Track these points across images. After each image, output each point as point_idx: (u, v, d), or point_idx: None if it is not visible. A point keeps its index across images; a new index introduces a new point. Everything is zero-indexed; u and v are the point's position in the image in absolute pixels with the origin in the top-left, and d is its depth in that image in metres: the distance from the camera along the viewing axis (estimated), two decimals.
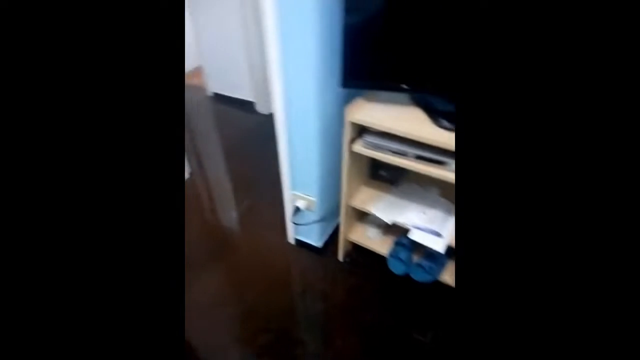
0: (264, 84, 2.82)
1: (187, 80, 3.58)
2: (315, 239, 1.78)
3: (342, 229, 1.62)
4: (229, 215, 2.11)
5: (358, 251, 1.74)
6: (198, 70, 3.32)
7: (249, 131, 2.85)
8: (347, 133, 1.25)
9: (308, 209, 1.65)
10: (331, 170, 1.56)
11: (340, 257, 1.76)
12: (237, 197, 2.23)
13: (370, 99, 1.26)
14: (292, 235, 1.84)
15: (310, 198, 1.60)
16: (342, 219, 1.57)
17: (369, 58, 1.14)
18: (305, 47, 1.14)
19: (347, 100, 1.31)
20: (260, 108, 3.01)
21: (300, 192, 1.62)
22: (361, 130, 1.27)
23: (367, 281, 1.68)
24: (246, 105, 3.08)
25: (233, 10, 2.58)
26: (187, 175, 2.34)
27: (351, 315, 1.56)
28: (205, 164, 2.52)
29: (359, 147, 1.27)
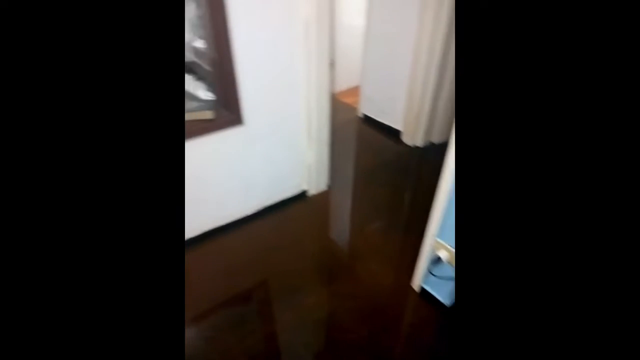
0: (416, 116, 2.74)
1: (341, 98, 3.75)
2: (444, 296, 1.60)
3: None
4: (354, 239, 2.07)
5: None
6: (355, 90, 3.44)
7: (390, 159, 2.80)
8: None
9: (449, 262, 1.48)
10: None
11: None
12: (365, 224, 2.17)
13: None
14: (418, 282, 1.69)
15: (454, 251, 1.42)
16: None
17: None
18: None
19: None
20: (406, 139, 2.94)
21: (446, 242, 1.46)
22: None
23: None
24: (392, 133, 3.05)
25: (407, 38, 2.59)
26: (324, 187, 2.40)
27: None
28: (338, 181, 2.55)
29: None
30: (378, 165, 2.71)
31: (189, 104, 1.72)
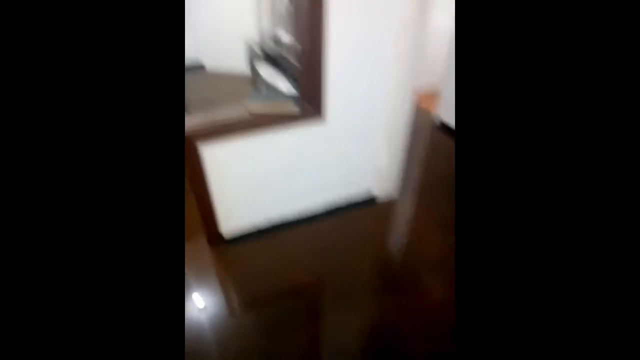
0: None
1: (418, 103, 3.58)
2: None
3: None
4: (418, 250, 1.94)
5: None
6: (432, 94, 3.25)
7: None
8: None
9: None
10: None
11: None
12: (431, 236, 2.03)
13: None
14: None
15: None
16: None
17: None
18: None
19: None
20: None
21: None
22: None
23: None
24: None
25: None
26: (393, 193, 2.29)
27: None
28: (408, 189, 2.42)
29: None
30: (447, 177, 2.53)
31: (270, 96, 1.72)
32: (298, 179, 1.89)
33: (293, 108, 1.61)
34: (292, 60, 1.95)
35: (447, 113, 3.08)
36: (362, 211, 2.18)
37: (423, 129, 3.15)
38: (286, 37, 2.32)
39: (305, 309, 1.64)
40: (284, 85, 1.90)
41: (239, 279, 1.78)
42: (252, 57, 2.83)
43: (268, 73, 2.28)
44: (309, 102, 1.64)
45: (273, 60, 2.46)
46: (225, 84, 3.78)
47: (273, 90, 1.94)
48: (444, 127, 3.12)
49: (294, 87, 1.79)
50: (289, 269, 1.80)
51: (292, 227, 2.03)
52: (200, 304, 1.63)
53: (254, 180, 1.76)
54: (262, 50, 2.71)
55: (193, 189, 1.62)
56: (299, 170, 1.85)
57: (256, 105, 1.60)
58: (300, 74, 1.62)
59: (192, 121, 1.50)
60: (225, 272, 1.81)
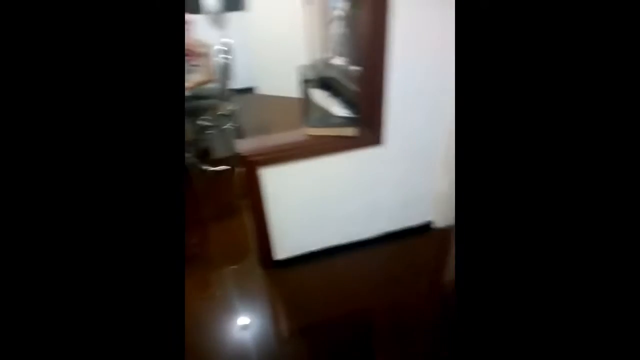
0: None
1: None
2: None
3: None
4: None
5: None
6: None
7: None
8: None
9: None
10: None
11: None
12: None
13: None
14: None
15: None
16: None
17: None
18: None
19: None
20: None
21: None
22: None
23: None
24: None
25: None
26: (451, 221, 2.16)
27: None
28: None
29: None
30: None
31: (327, 120, 1.70)
32: (354, 204, 1.84)
33: (352, 132, 1.58)
34: (347, 83, 1.94)
35: None
36: (420, 239, 2.07)
37: None
38: (340, 61, 2.33)
39: (355, 341, 1.55)
40: (337, 109, 1.89)
41: (289, 303, 1.73)
42: (305, 81, 2.88)
43: (321, 97, 2.30)
44: (368, 126, 1.61)
45: (326, 84, 2.48)
46: (279, 108, 3.87)
47: (327, 114, 1.93)
48: None
49: (348, 110, 1.76)
50: (339, 297, 1.73)
51: (346, 253, 1.96)
52: (245, 321, 1.61)
53: (310, 203, 1.74)
54: (315, 74, 2.75)
55: (252, 211, 1.63)
56: (355, 194, 1.80)
57: (315, 129, 1.59)
58: (359, 98, 1.60)
59: (250, 145, 1.52)
60: (275, 295, 1.78)
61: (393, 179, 1.83)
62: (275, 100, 4.11)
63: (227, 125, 3.13)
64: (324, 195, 1.73)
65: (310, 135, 1.57)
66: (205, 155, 2.96)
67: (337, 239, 1.95)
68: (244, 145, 1.49)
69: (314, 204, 1.75)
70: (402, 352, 1.47)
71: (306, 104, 2.79)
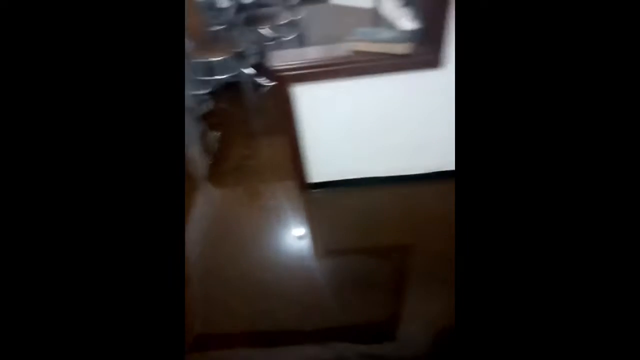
0: None
1: None
2: None
3: None
4: None
5: None
6: None
7: None
8: None
9: None
10: None
11: None
12: None
13: None
14: None
15: None
16: None
17: None
18: None
19: None
20: None
21: None
22: None
23: None
24: None
25: None
26: None
27: None
28: None
29: None
30: None
31: (383, 34, 1.45)
32: (398, 134, 1.65)
33: (406, 49, 1.33)
34: None
35: None
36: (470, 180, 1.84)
37: None
38: None
39: (388, 273, 1.51)
40: (407, 23, 1.60)
41: (325, 227, 1.74)
42: None
43: (391, 8, 1.97)
44: (429, 44, 1.34)
45: None
46: (351, 20, 3.51)
47: (389, 28, 1.65)
48: None
49: (417, 25, 1.48)
50: (375, 229, 1.67)
51: (384, 185, 1.84)
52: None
53: (349, 128, 1.59)
54: None
55: (285, 131, 1.55)
56: (401, 123, 1.60)
57: (362, 44, 1.37)
58: (422, 7, 1.31)
59: (285, 58, 1.37)
60: (312, 216, 1.78)
61: (448, 109, 1.57)
62: (348, 10, 3.72)
63: (291, 37, 2.94)
64: (366, 120, 1.57)
65: (356, 51, 1.37)
66: (261, 68, 2.87)
67: (378, 171, 1.82)
68: (279, 58, 1.36)
69: (355, 129, 1.60)
70: (428, 294, 1.41)
71: (373, 16, 2.46)
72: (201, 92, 2.72)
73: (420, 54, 1.34)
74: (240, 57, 2.59)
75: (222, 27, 2.80)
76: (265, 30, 2.80)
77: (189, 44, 2.34)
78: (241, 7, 2.78)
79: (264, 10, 2.67)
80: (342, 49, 1.38)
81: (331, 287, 1.47)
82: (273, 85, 2.68)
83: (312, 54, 1.39)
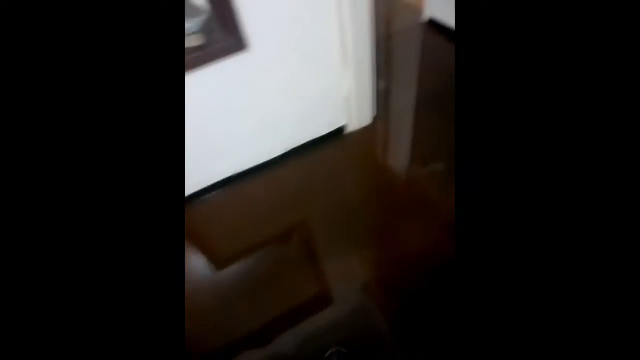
0: None
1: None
2: None
3: None
4: (407, 186, 1.69)
5: None
6: None
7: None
8: None
9: None
10: None
11: None
12: (422, 167, 1.75)
13: None
14: None
15: None
16: None
17: None
18: None
19: None
20: None
21: None
22: None
23: None
24: None
25: None
26: (368, 121, 1.97)
27: None
28: (390, 111, 2.07)
29: None
30: (446, 87, 2.13)
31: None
32: (240, 124, 1.62)
33: (197, 40, 1.27)
34: None
35: (436, 7, 2.54)
36: (332, 147, 1.90)
37: (409, 31, 2.65)
38: None
39: (298, 251, 1.53)
40: (193, 14, 1.52)
41: (212, 236, 1.67)
42: None
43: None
44: (225, 30, 1.29)
45: None
46: None
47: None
48: (434, 25, 2.60)
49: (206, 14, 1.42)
50: (257, 224, 1.65)
51: (250, 179, 1.82)
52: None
53: (194, 127, 1.50)
54: None
55: None
56: (237, 114, 1.57)
57: None
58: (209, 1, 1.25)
59: None
60: (197, 231, 1.69)
61: (279, 89, 1.57)
62: None
63: None
64: (199, 122, 1.50)
65: None
66: None
67: (235, 167, 1.79)
68: None
69: (200, 127, 1.52)
70: (337, 259, 1.44)
71: None
72: None
73: (219, 42, 1.29)
74: None
75: None
76: None
77: None
78: None
79: None
80: None
81: (242, 290, 1.43)
82: None
83: None
